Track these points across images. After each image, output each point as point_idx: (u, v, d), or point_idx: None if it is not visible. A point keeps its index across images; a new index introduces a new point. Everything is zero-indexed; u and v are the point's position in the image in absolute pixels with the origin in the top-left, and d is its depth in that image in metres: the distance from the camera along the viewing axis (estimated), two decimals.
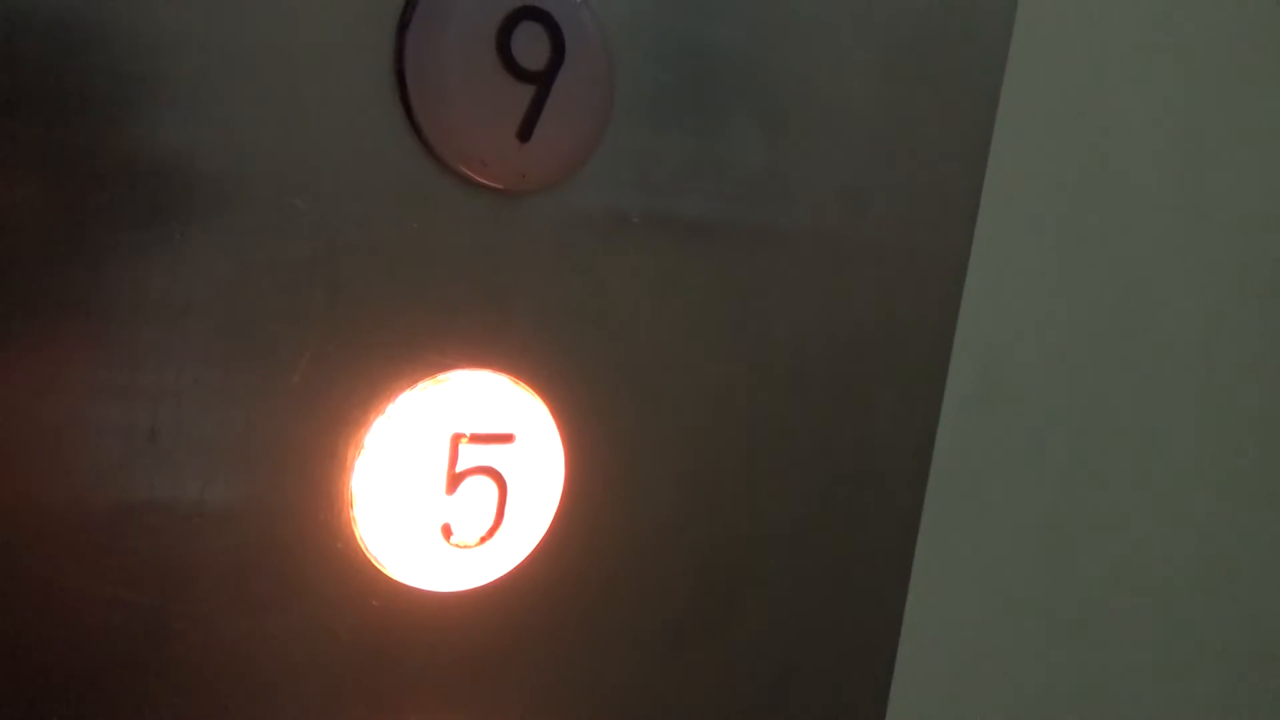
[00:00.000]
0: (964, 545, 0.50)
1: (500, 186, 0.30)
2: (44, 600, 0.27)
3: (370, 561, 0.31)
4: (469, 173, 0.29)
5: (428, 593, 0.32)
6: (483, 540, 0.31)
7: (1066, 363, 0.52)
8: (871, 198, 0.38)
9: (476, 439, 0.31)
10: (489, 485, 0.31)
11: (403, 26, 0.27)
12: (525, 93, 0.29)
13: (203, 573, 0.29)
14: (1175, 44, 0.50)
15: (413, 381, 0.30)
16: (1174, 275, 0.54)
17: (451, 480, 0.31)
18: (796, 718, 0.42)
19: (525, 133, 0.29)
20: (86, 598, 0.27)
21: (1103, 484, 0.54)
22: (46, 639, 0.27)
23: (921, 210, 0.40)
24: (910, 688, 0.49)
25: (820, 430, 0.40)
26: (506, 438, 0.31)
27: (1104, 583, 0.56)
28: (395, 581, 0.31)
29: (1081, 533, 0.55)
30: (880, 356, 0.41)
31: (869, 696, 0.45)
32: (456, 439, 0.30)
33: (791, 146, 0.35)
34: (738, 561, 0.39)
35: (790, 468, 0.39)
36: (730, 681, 0.40)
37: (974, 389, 0.49)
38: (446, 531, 0.31)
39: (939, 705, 0.51)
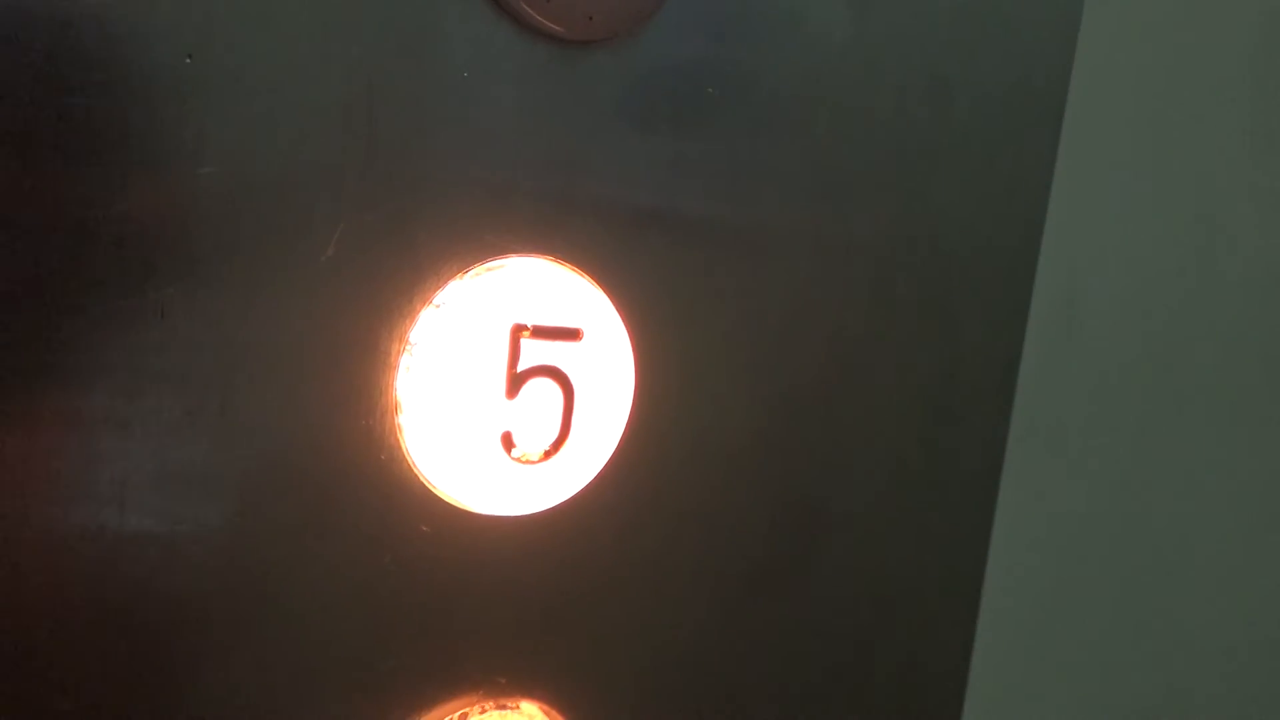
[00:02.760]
0: (1044, 491, 0.46)
1: (563, 30, 0.25)
2: (51, 526, 0.22)
3: (419, 479, 0.26)
4: (529, 9, 0.25)
5: (484, 517, 0.27)
6: (547, 455, 0.27)
7: (1147, 298, 0.48)
8: (958, 90, 0.34)
9: (540, 333, 0.26)
10: (553, 390, 0.27)
11: None
12: None
13: (224, 492, 0.24)
14: None
15: (464, 267, 0.26)
16: (1249, 213, 0.50)
17: (512, 382, 0.26)
18: (877, 671, 0.38)
19: None
20: (95, 518, 0.23)
21: (1180, 431, 0.50)
22: (60, 567, 0.22)
23: (1007, 108, 0.36)
24: (992, 639, 0.45)
25: (904, 351, 0.36)
26: (573, 333, 0.27)
27: (1181, 535, 0.52)
28: (448, 503, 0.26)
29: (1159, 481, 0.51)
30: (964, 273, 0.37)
31: (953, 649, 0.41)
32: (517, 332, 0.26)
33: (877, 28, 0.31)
34: (818, 501, 0.34)
35: (872, 398, 0.35)
36: (809, 633, 0.35)
37: (1056, 324, 0.45)
38: (507, 442, 0.26)
39: (1021, 657, 0.47)
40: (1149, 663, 0.51)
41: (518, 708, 0.29)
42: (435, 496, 0.26)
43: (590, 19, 0.25)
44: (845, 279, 0.33)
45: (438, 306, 0.26)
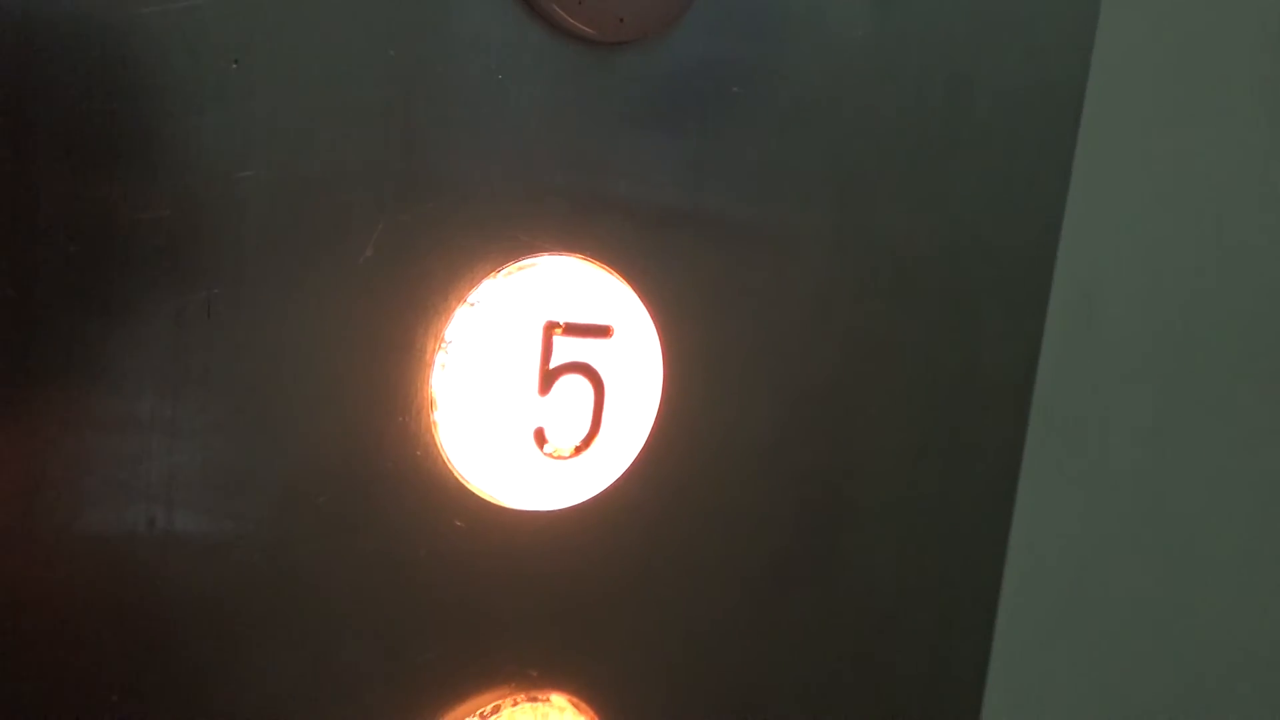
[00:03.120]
0: (1063, 483, 0.47)
1: (594, 32, 0.26)
2: (95, 526, 0.23)
3: (453, 474, 0.26)
4: (561, 12, 0.25)
5: (517, 512, 0.27)
6: (578, 450, 0.27)
7: (1165, 295, 0.48)
8: (977, 88, 0.34)
9: (572, 330, 0.27)
10: (584, 386, 0.27)
11: None
12: None
13: (262, 487, 0.24)
14: None
15: (497, 265, 0.26)
16: (1266, 209, 0.50)
17: (545, 378, 0.27)
18: (899, 664, 0.38)
19: None
20: (140, 516, 0.23)
21: (1199, 426, 0.51)
22: (91, 565, 0.23)
23: (1026, 107, 0.36)
24: (1012, 634, 0.45)
25: (925, 346, 0.36)
26: (604, 330, 0.27)
27: (1201, 530, 0.52)
28: (481, 498, 0.27)
29: (1178, 477, 0.51)
30: (984, 270, 0.37)
31: (973, 642, 0.41)
32: (550, 329, 0.26)
33: (897, 27, 0.31)
34: (840, 494, 0.35)
35: (892, 393, 0.36)
36: (834, 624, 0.36)
37: (1074, 322, 0.45)
38: (540, 438, 0.27)
39: (1042, 647, 0.47)
40: (1169, 660, 0.52)
41: (549, 700, 0.29)
42: (469, 491, 0.27)
43: (621, 20, 0.26)
44: (867, 276, 0.33)
45: (472, 305, 0.26)
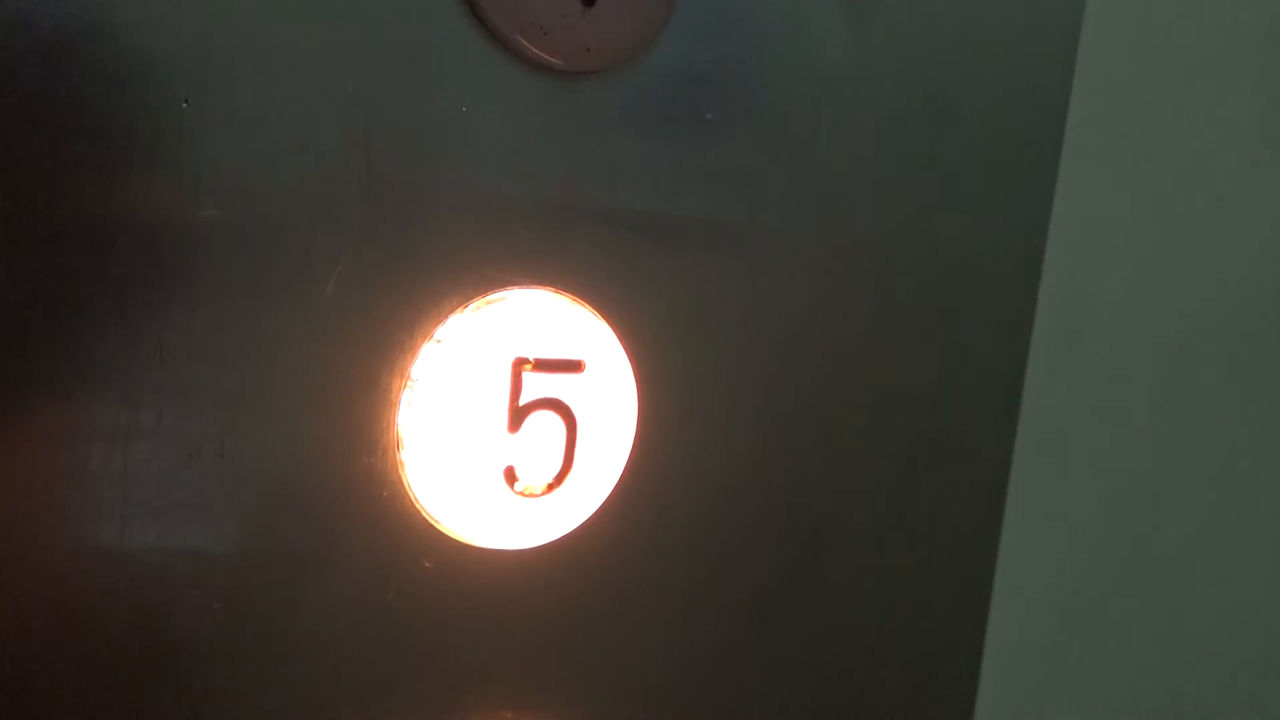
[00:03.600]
0: (1051, 503, 0.46)
1: (560, 63, 0.25)
2: (47, 569, 0.22)
3: (421, 514, 0.26)
4: (526, 43, 0.24)
5: (488, 551, 0.27)
6: (550, 488, 0.27)
7: (1152, 307, 0.47)
8: (959, 99, 0.34)
9: (541, 366, 0.26)
10: (556, 422, 0.27)
11: None
12: None
13: (224, 531, 0.24)
14: None
15: (464, 301, 0.26)
16: (1260, 214, 0.50)
17: (514, 415, 0.26)
18: (887, 691, 0.38)
19: None
20: (93, 559, 0.22)
21: (1190, 440, 0.50)
22: (54, 606, 0.22)
23: (1009, 117, 0.36)
24: (1002, 654, 0.44)
25: (908, 364, 0.35)
26: (575, 365, 0.27)
27: (1191, 547, 0.51)
28: (451, 538, 0.26)
29: (1168, 493, 0.50)
30: (967, 284, 0.36)
31: (961, 668, 0.41)
32: (519, 365, 0.26)
33: (877, 39, 0.31)
34: (823, 520, 0.34)
35: (875, 412, 0.35)
36: (818, 654, 0.35)
37: (1061, 334, 0.45)
38: (510, 476, 0.26)
39: (1032, 670, 0.46)
40: (1159, 684, 0.51)
41: None
42: (438, 532, 0.26)
43: (588, 50, 0.25)
44: (847, 297, 0.33)
45: (439, 341, 0.25)
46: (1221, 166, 0.48)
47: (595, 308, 0.27)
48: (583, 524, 0.28)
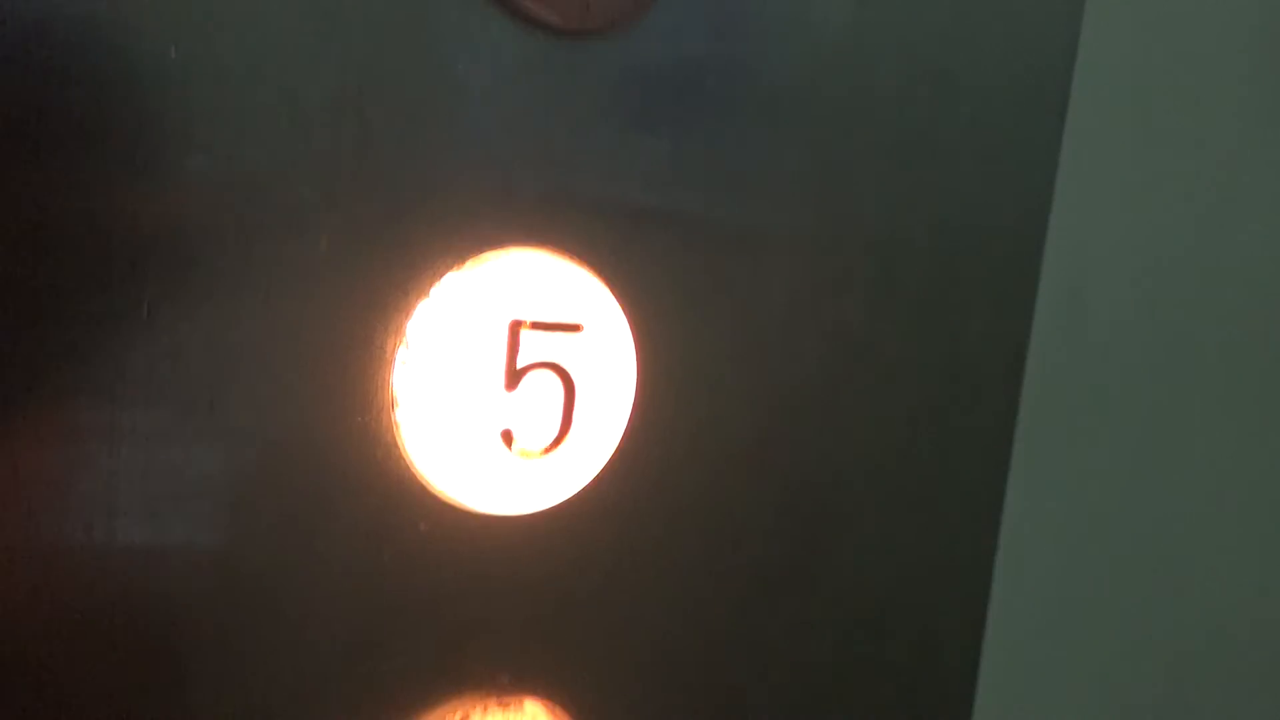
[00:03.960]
0: (1053, 482, 0.46)
1: (558, 20, 0.25)
2: (38, 533, 0.22)
3: (417, 476, 0.26)
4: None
5: (485, 515, 0.27)
6: (548, 450, 0.27)
7: (1156, 288, 0.47)
8: (960, 78, 0.34)
9: (539, 326, 0.26)
10: (554, 384, 0.26)
11: None
12: None
13: (217, 493, 0.24)
14: None
15: (460, 259, 0.26)
16: (1259, 199, 0.49)
17: (511, 376, 0.26)
18: (886, 671, 0.37)
19: None
20: (83, 522, 0.22)
21: (1194, 418, 0.50)
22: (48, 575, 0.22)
23: (1011, 97, 0.35)
24: (1005, 633, 0.44)
25: (908, 342, 0.35)
26: (573, 327, 0.26)
27: (1196, 526, 0.51)
28: (447, 501, 0.26)
29: (1171, 475, 0.50)
30: (969, 265, 0.36)
31: (964, 642, 0.40)
32: (516, 326, 0.26)
33: (878, 18, 0.31)
34: (823, 495, 0.34)
35: (876, 389, 0.35)
36: (818, 630, 0.35)
37: (1063, 314, 0.44)
38: (507, 438, 0.26)
39: (1035, 648, 0.46)
40: (1165, 655, 0.51)
41: (521, 707, 0.28)
42: (434, 494, 0.26)
43: (587, 8, 0.25)
44: (848, 271, 0.33)
45: (434, 299, 0.25)
46: (1227, 145, 0.48)
47: (594, 270, 0.27)
48: (580, 490, 0.28)
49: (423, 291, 0.25)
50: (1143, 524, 0.49)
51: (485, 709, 0.28)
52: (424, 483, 0.26)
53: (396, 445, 0.25)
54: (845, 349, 0.33)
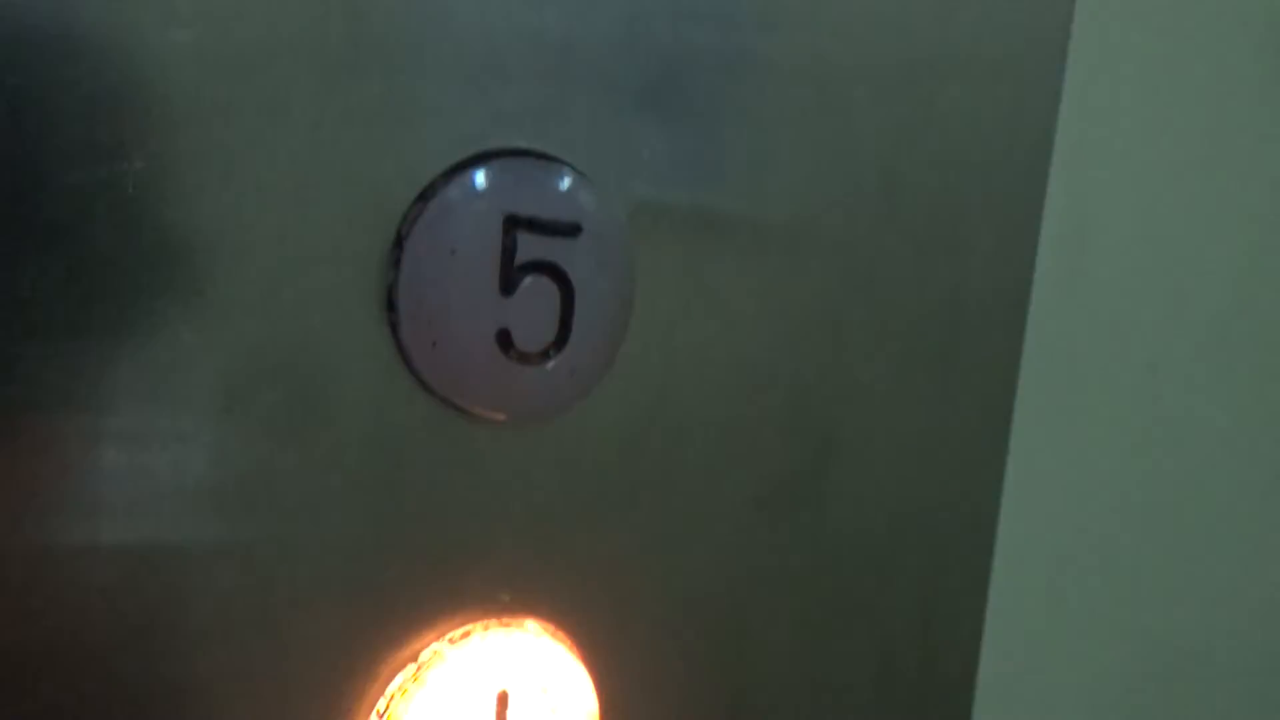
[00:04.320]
0: (1059, 415, 0.45)
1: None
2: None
3: (413, 379, 0.25)
4: None
5: (483, 421, 0.26)
6: (546, 355, 0.26)
7: (1160, 225, 0.46)
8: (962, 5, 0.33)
9: (536, 227, 0.25)
10: (551, 287, 0.26)
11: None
12: None
13: (193, 386, 0.23)
14: None
15: (452, 158, 0.25)
16: (1266, 135, 0.49)
17: (507, 277, 0.25)
18: (894, 600, 0.37)
19: None
20: (69, 421, 0.21)
21: (1200, 350, 0.49)
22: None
23: (1016, 18, 0.35)
24: (1012, 563, 0.43)
25: (913, 266, 0.34)
26: (572, 229, 0.26)
27: (1202, 463, 0.50)
28: (444, 406, 0.25)
29: (1176, 405, 0.49)
30: (973, 192, 0.35)
31: (970, 574, 0.40)
32: (511, 225, 0.25)
33: None
34: (827, 417, 0.33)
35: (881, 312, 0.34)
36: (821, 556, 0.34)
37: (1069, 243, 0.44)
38: (504, 339, 0.25)
39: (1043, 576, 0.46)
40: (1167, 586, 0.50)
41: (523, 626, 0.28)
42: (431, 398, 0.25)
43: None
44: (852, 192, 0.32)
45: (427, 198, 0.24)
46: (1232, 84, 0.47)
47: (593, 171, 0.26)
48: (581, 398, 0.27)
49: (415, 188, 0.24)
50: (1152, 457, 0.49)
51: (486, 627, 0.27)
52: (421, 386, 0.25)
53: (393, 347, 0.25)
54: (849, 269, 0.33)
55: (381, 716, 0.26)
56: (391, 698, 0.26)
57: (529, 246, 0.25)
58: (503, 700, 0.27)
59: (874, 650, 0.36)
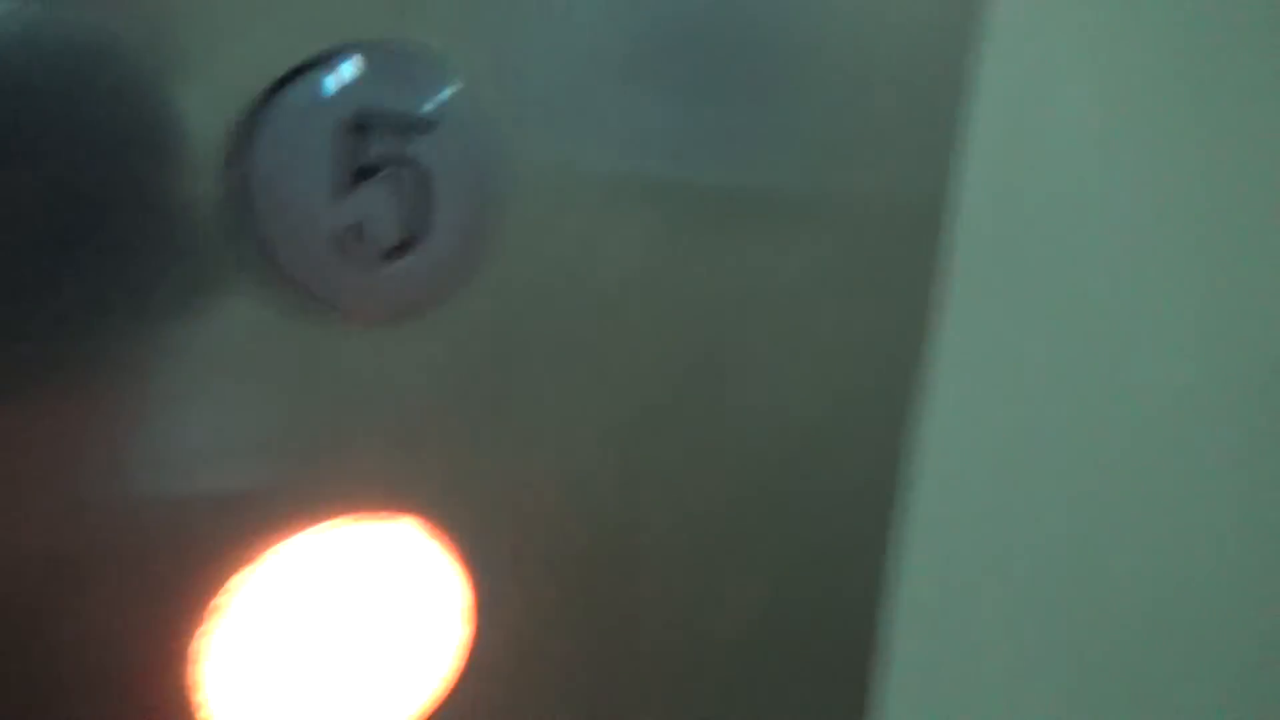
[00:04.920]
0: (990, 308, 0.45)
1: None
2: None
3: (269, 274, 0.25)
4: None
5: (347, 317, 0.26)
6: (403, 250, 0.26)
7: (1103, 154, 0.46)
8: None
9: (385, 121, 0.25)
10: (406, 179, 0.26)
11: None
12: None
13: (61, 284, 0.23)
14: None
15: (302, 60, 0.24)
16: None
17: (356, 174, 0.25)
18: (786, 519, 0.37)
19: None
20: None
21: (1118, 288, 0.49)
22: None
23: None
24: (928, 465, 0.44)
25: (814, 171, 0.34)
26: (427, 124, 0.25)
27: (1124, 400, 0.50)
28: (304, 302, 0.25)
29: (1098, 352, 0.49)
30: (888, 77, 0.35)
31: (875, 500, 0.40)
32: (362, 115, 0.25)
33: None
34: (720, 323, 0.33)
35: (780, 216, 0.34)
36: (709, 468, 0.34)
37: (998, 143, 0.43)
38: (356, 233, 0.25)
39: (956, 482, 0.46)
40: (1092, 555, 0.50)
41: (395, 521, 0.28)
42: (289, 295, 0.25)
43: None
44: (752, 55, 0.31)
45: (274, 92, 0.24)
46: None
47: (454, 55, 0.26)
48: (445, 296, 0.27)
49: (265, 87, 0.24)
50: (1073, 362, 0.49)
51: (357, 521, 0.27)
52: (278, 281, 0.25)
53: (241, 248, 0.24)
54: (741, 175, 0.32)
55: (243, 607, 0.26)
56: (254, 587, 0.26)
57: (382, 141, 0.25)
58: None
59: (766, 572, 0.36)
